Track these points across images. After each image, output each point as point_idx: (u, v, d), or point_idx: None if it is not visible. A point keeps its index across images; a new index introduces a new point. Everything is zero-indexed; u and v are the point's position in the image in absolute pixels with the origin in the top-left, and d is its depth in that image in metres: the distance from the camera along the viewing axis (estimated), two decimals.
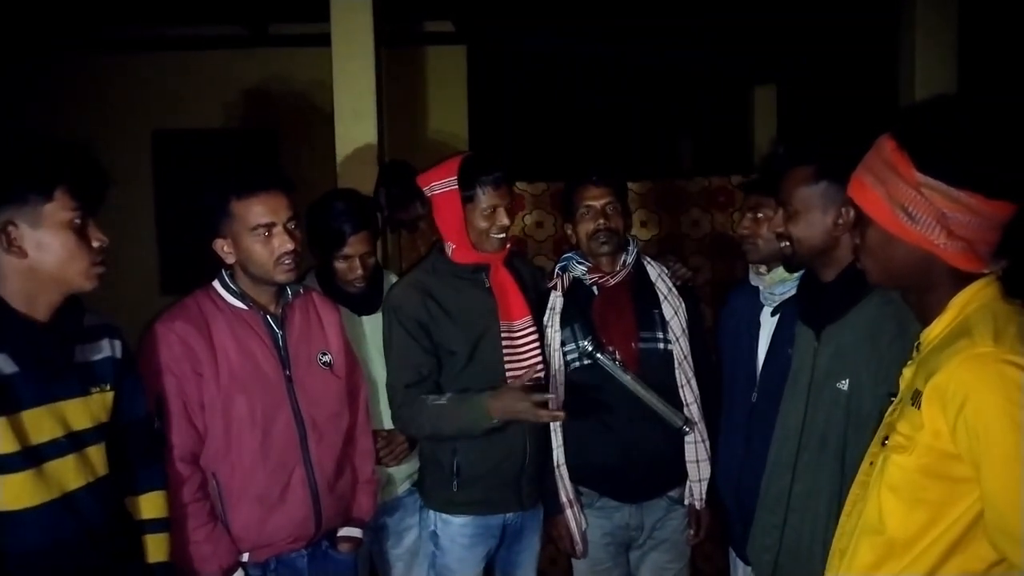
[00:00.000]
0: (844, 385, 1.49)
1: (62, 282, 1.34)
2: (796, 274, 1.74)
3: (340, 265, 2.02)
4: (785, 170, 1.57)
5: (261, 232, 1.64)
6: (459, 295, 2.02)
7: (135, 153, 4.59)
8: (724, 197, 3.39)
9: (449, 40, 4.83)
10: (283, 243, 1.65)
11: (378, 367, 2.09)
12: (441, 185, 1.97)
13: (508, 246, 2.08)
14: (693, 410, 2.06)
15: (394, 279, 2.20)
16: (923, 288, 1.16)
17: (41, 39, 4.33)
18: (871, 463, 1.19)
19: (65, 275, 1.34)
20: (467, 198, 1.95)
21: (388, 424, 2.09)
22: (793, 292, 1.78)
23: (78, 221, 1.34)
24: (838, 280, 1.54)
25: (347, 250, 2.00)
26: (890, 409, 1.20)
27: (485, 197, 1.94)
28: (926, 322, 1.17)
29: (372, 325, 2.10)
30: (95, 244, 1.37)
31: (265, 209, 1.64)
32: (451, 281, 2.02)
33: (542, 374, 2.03)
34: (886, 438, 1.14)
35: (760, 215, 1.90)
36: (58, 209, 1.31)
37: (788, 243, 1.57)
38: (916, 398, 1.10)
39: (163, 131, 4.66)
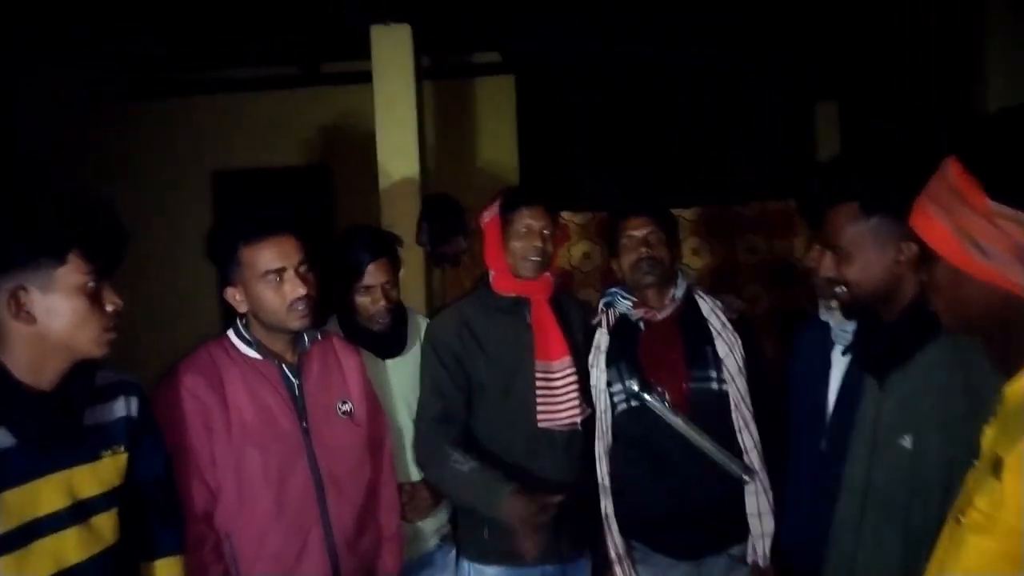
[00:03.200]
0: (907, 442, 1.29)
1: (71, 349, 1.27)
2: None
3: (362, 299, 1.93)
4: (826, 208, 1.39)
5: (272, 278, 1.57)
6: (497, 328, 1.95)
7: (196, 192, 4.71)
8: (782, 221, 3.19)
9: (497, 71, 4.80)
10: (295, 288, 1.58)
11: (404, 415, 1.98)
12: (488, 214, 2.00)
13: (551, 280, 2.00)
14: (752, 457, 1.87)
15: (422, 321, 2.12)
16: (1004, 334, 0.98)
17: (104, 85, 4.49)
18: (944, 539, 1.00)
19: (75, 342, 1.26)
20: (506, 222, 1.95)
21: (416, 474, 1.98)
22: None
23: (92, 285, 1.26)
24: (901, 319, 1.35)
25: (367, 280, 1.92)
26: (967, 476, 1.01)
27: (519, 218, 1.92)
28: (1009, 373, 0.98)
29: (397, 369, 2.01)
30: (109, 308, 1.28)
31: (275, 254, 1.57)
32: (491, 313, 1.97)
33: (578, 420, 1.91)
34: (961, 513, 0.96)
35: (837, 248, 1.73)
36: (71, 272, 1.23)
37: (844, 288, 1.39)
38: (998, 467, 0.91)
39: (222, 171, 4.76)
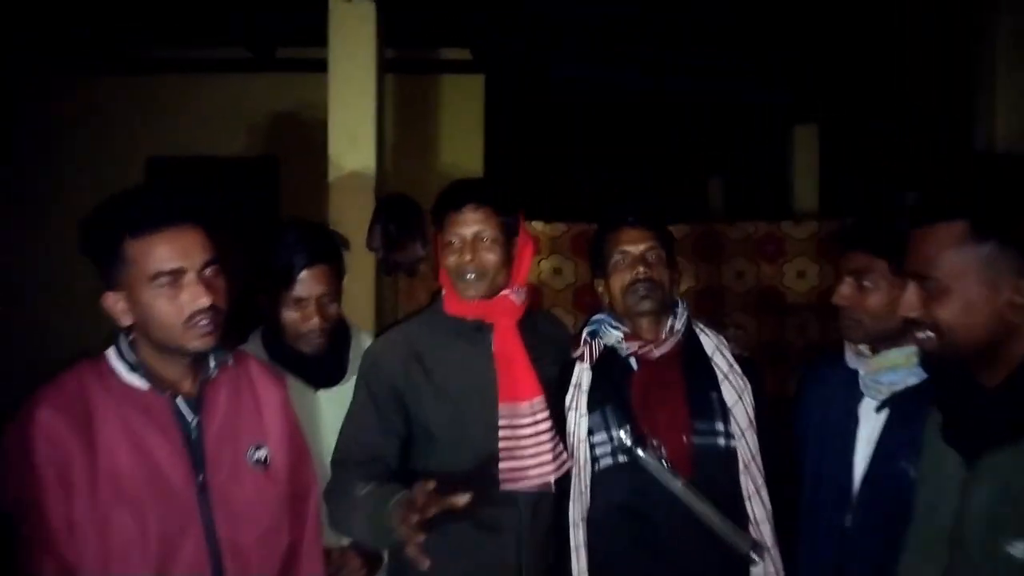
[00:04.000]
0: (1020, 550, 0.97)
1: None
2: (916, 359, 1.25)
3: (290, 314, 1.56)
4: (919, 226, 1.06)
5: (165, 282, 1.18)
6: (450, 358, 1.58)
7: (128, 179, 4.27)
8: (773, 246, 2.92)
9: (466, 69, 4.50)
10: (196, 297, 1.19)
11: None
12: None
13: (515, 302, 1.61)
14: (764, 530, 1.53)
15: (366, 339, 1.75)
16: None
17: (35, 58, 4.14)
18: None
19: None
20: (440, 233, 1.60)
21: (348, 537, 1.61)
22: (911, 382, 1.30)
23: None
24: (1007, 385, 1.03)
25: (298, 290, 1.54)
26: None
27: (447, 227, 1.57)
28: None
29: (333, 402, 1.63)
30: None
31: (171, 251, 1.18)
32: (445, 339, 1.59)
33: (552, 479, 1.54)
34: None
35: (867, 283, 1.42)
36: None
37: (932, 333, 1.06)
38: None
39: (158, 158, 4.39)
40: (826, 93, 4.76)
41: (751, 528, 1.53)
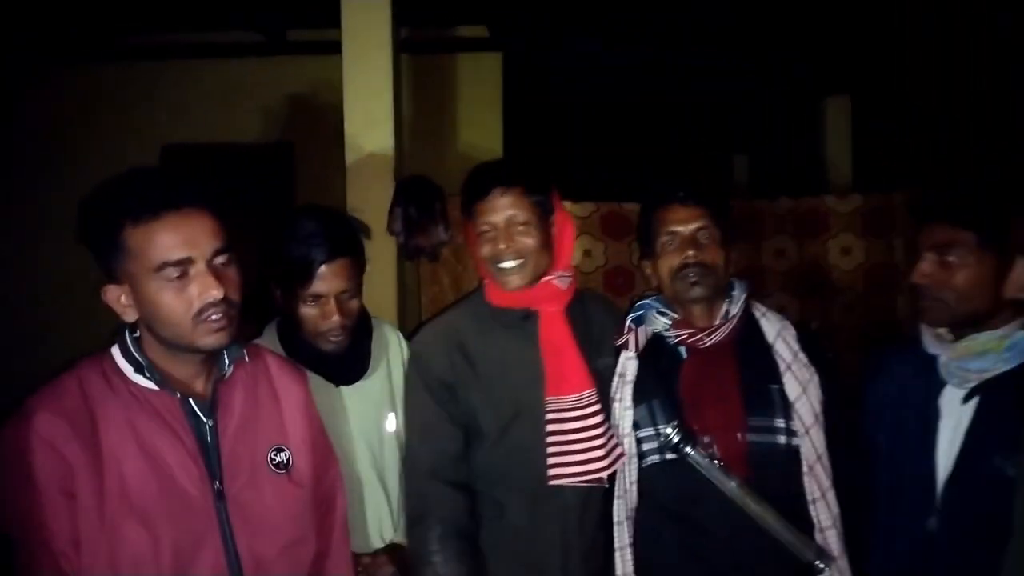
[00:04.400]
0: None
1: None
2: (1008, 342, 1.12)
3: (309, 311, 1.45)
4: None
5: (171, 274, 1.07)
6: (495, 349, 1.50)
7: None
8: (816, 222, 2.77)
9: (483, 47, 4.36)
10: (206, 288, 1.08)
11: (364, 461, 1.51)
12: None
13: (559, 288, 1.51)
14: (830, 538, 1.40)
15: (390, 333, 1.64)
16: None
17: (44, 48, 4.07)
18: None
19: None
20: (470, 223, 1.53)
21: (379, 541, 1.50)
22: (1003, 368, 1.16)
23: None
24: None
25: (317, 287, 1.43)
26: None
27: (477, 216, 1.49)
28: None
29: (356, 399, 1.52)
30: None
31: (176, 238, 1.06)
32: (491, 330, 1.52)
33: (605, 474, 1.46)
34: None
35: (952, 258, 1.27)
36: None
37: None
38: None
39: (173, 145, 4.28)
40: (859, 62, 4.55)
41: (817, 535, 1.39)
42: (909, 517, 1.31)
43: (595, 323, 1.57)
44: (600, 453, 1.43)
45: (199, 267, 1.08)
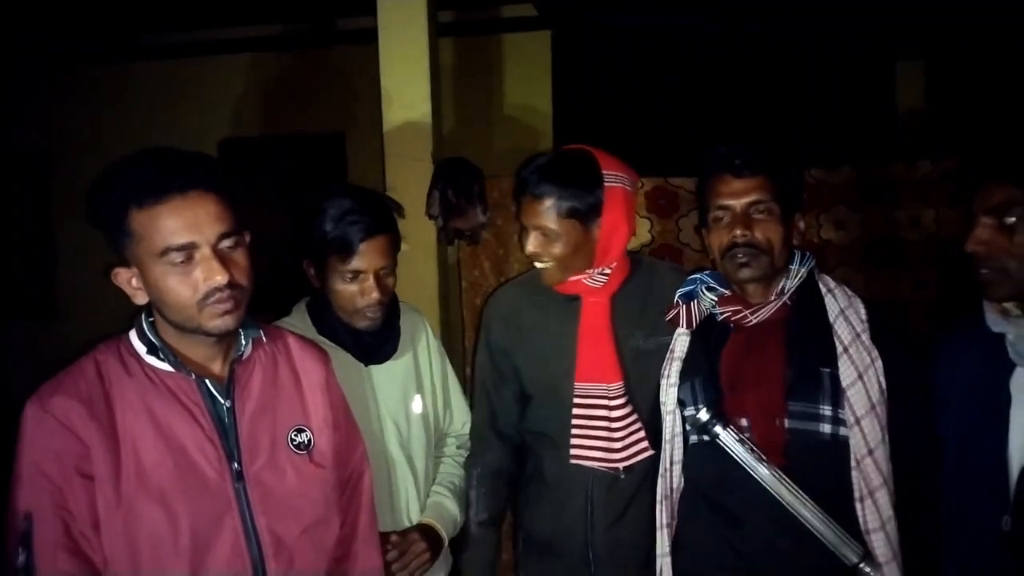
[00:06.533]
0: None
1: None
2: None
3: (347, 288, 1.45)
4: None
5: (175, 258, 1.06)
6: (544, 323, 1.54)
7: None
8: (881, 190, 2.58)
9: (531, 26, 4.27)
10: (210, 274, 1.07)
11: (393, 441, 1.50)
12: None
13: (596, 285, 1.52)
14: (877, 541, 1.27)
15: (415, 314, 1.65)
16: None
17: (107, 46, 4.20)
18: None
19: None
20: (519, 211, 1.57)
21: (407, 520, 1.49)
22: None
23: None
24: None
25: (358, 263, 1.43)
26: None
27: (521, 208, 1.52)
28: None
29: (385, 378, 1.51)
30: None
31: (180, 223, 1.06)
32: (545, 304, 1.56)
33: (621, 467, 1.48)
34: None
35: (1012, 219, 1.13)
36: None
37: None
38: None
39: (230, 139, 4.40)
40: (935, 24, 4.24)
41: (866, 538, 1.27)
42: (981, 514, 1.18)
43: (656, 299, 1.52)
44: (617, 446, 1.45)
45: (204, 252, 1.07)
